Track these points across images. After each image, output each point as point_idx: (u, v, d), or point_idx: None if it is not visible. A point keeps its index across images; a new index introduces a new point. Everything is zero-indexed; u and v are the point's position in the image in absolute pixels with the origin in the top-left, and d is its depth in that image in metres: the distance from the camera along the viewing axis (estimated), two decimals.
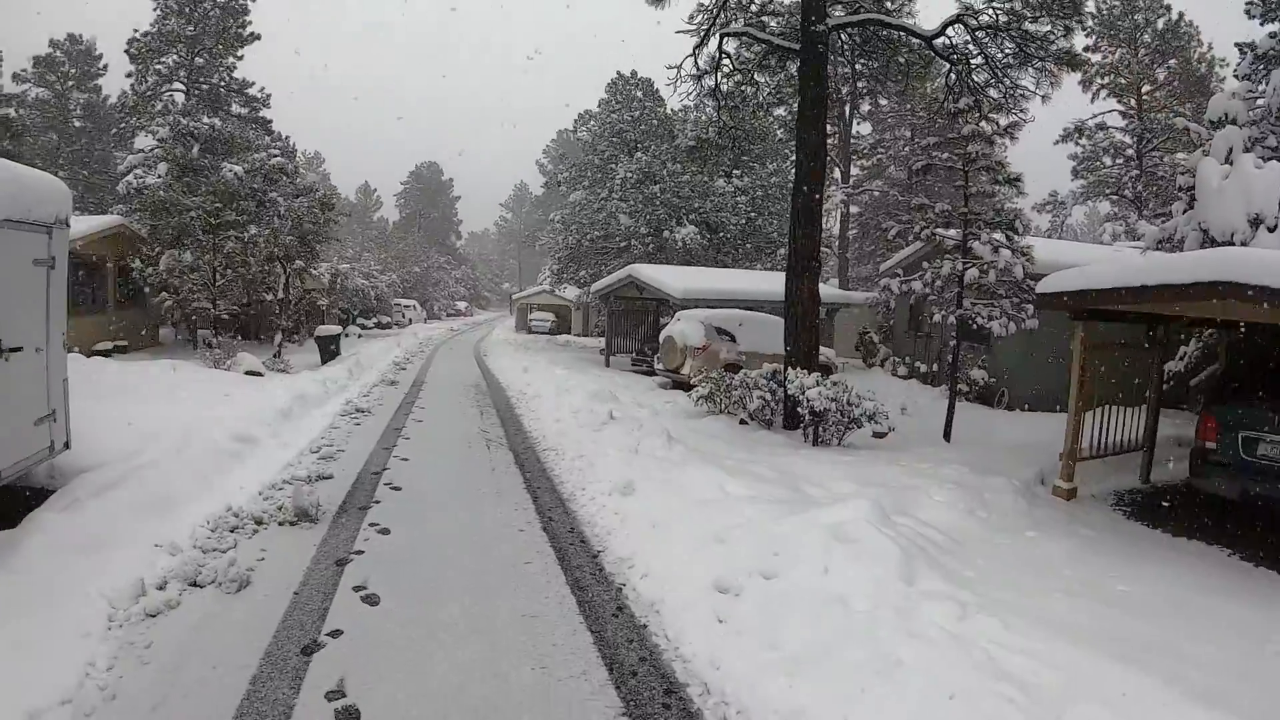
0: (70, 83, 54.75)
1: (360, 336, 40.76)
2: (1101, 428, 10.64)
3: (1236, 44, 23.39)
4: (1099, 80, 37.17)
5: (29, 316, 7.86)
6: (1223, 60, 35.38)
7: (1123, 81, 37.10)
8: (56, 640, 5.12)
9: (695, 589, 5.93)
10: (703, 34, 16.95)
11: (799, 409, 12.98)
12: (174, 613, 5.77)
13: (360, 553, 7.05)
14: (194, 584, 6.26)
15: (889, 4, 17.55)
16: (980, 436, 14.11)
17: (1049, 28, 14.33)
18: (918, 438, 13.78)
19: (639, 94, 44.08)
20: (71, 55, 55.52)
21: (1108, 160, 37.75)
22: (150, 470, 8.79)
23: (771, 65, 17.88)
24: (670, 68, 17.45)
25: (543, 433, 13.51)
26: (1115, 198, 38.42)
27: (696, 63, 17.22)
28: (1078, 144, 36.97)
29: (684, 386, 18.59)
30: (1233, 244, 11.51)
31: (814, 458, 11.40)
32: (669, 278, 25.79)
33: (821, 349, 16.25)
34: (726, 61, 17.40)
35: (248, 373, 19.68)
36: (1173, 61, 37.05)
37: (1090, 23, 24.01)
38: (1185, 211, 13.83)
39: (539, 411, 15.81)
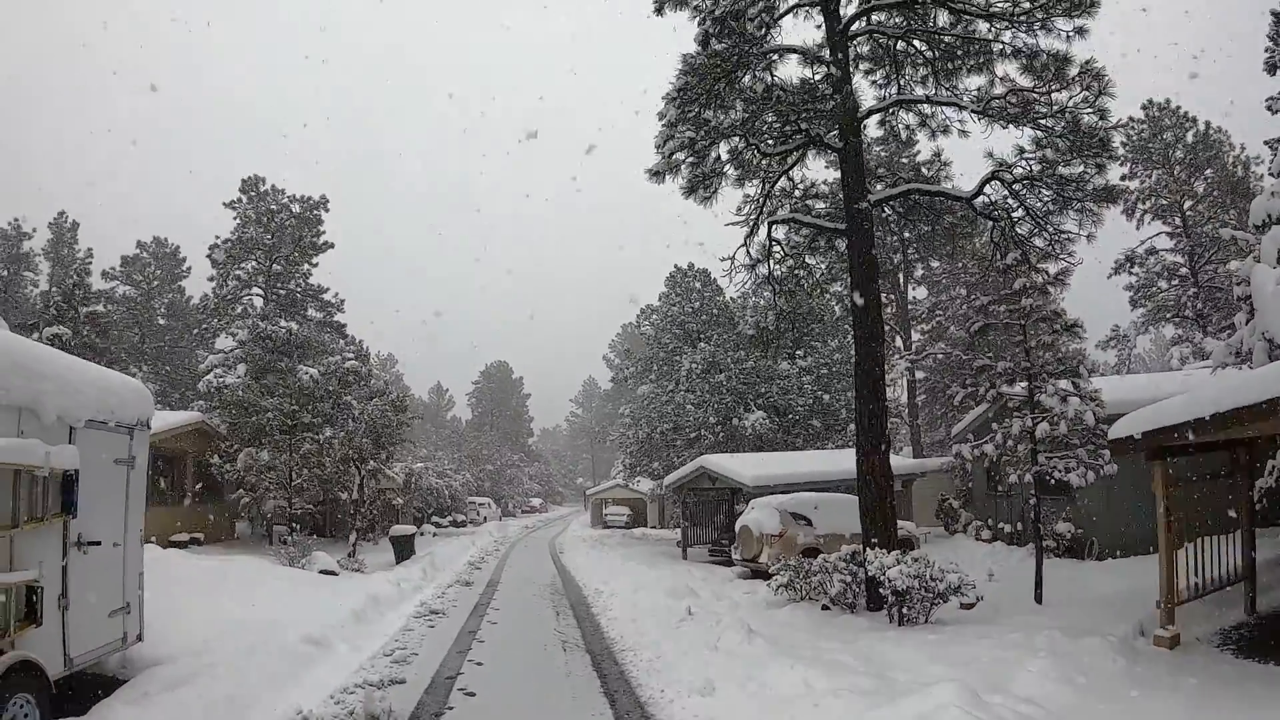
0: (155, 283, 57.51)
1: (435, 535, 40.80)
2: (1197, 564, 10.23)
3: (1266, 141, 23.14)
4: (1141, 205, 36.76)
5: (108, 512, 8.18)
6: (1256, 158, 34.80)
7: (1164, 202, 36.63)
8: None
9: None
10: (752, 224, 17.36)
11: (881, 589, 12.65)
12: None
13: None
14: None
15: (925, 170, 17.85)
16: (1073, 593, 13.71)
17: (1082, 168, 14.43)
18: (1007, 604, 13.35)
19: (698, 285, 45.07)
20: (158, 257, 58.48)
21: (1163, 284, 37.24)
22: (221, 668, 8.85)
23: (821, 246, 18.21)
24: (724, 259, 17.79)
25: (620, 632, 13.25)
26: (1178, 319, 37.69)
27: (749, 252, 17.56)
28: (1131, 274, 36.79)
29: (763, 575, 18.25)
30: None
31: (900, 640, 11.05)
32: (740, 466, 25.73)
33: (901, 522, 15.97)
34: (777, 248, 17.70)
35: (322, 571, 19.75)
36: (1209, 171, 36.61)
37: (1122, 151, 24.01)
38: (1248, 322, 13.61)
39: (615, 610, 15.59)
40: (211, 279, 49.19)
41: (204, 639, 10.01)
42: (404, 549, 26.18)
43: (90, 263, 56.59)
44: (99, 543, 7.94)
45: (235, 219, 48.61)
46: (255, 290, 48.50)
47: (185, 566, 15.20)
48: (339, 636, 12.11)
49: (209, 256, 48.79)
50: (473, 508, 59.47)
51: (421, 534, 35.32)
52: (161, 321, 54.24)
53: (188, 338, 50.69)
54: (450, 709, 8.59)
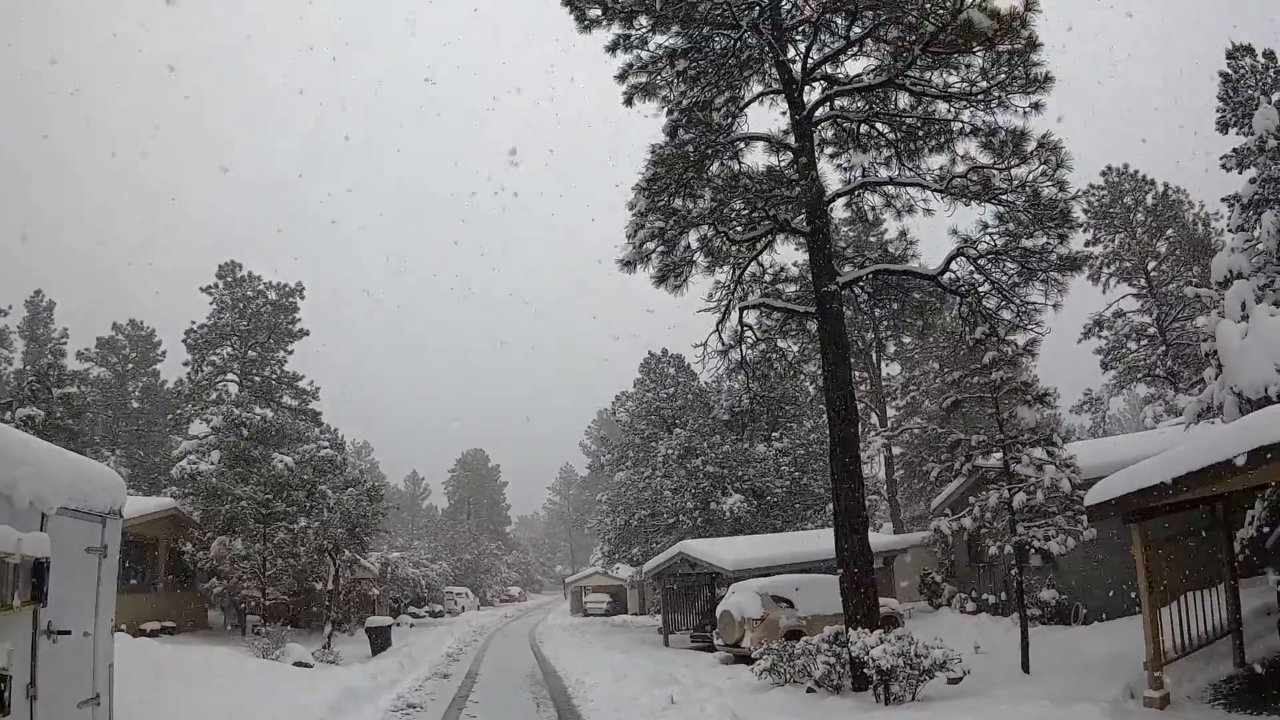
0: (130, 365, 57.52)
1: (412, 626, 40.43)
2: (1183, 621, 10.21)
3: (1223, 198, 23.45)
4: (1106, 270, 37.32)
5: (79, 601, 8.06)
6: (1215, 214, 34.52)
7: (1128, 264, 37.19)
8: None
9: None
10: (723, 310, 17.38)
11: (865, 669, 12.43)
12: None
13: None
14: None
15: (892, 249, 18.07)
16: (1060, 660, 13.63)
17: (1045, 239, 14.64)
18: (996, 675, 13.21)
19: (672, 370, 45.42)
20: (133, 339, 58.56)
21: (1133, 344, 37.88)
22: None
23: (793, 329, 18.30)
24: (696, 345, 17.85)
25: None
26: (1149, 379, 38.27)
27: (721, 338, 17.59)
28: (1100, 337, 37.55)
29: (746, 660, 18.05)
30: (1269, 399, 11.35)
31: (887, 719, 10.91)
32: (719, 550, 25.63)
33: (883, 599, 15.89)
34: (749, 333, 17.77)
35: (296, 663, 19.50)
36: (1170, 231, 37.13)
37: (1083, 218, 24.41)
38: (1217, 377, 13.80)
39: (597, 701, 15.31)
40: (186, 364, 49.35)
41: None
42: (380, 640, 25.87)
43: (65, 342, 56.28)
44: (69, 632, 7.75)
45: (211, 304, 48.87)
46: (230, 376, 48.56)
47: (157, 656, 14.94)
48: None
49: (184, 341, 48.98)
50: (450, 597, 58.89)
51: (398, 624, 34.89)
52: (135, 404, 54.09)
53: (161, 422, 50.49)
54: None
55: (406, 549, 56.80)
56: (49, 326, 61.16)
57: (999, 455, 13.99)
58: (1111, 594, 16.38)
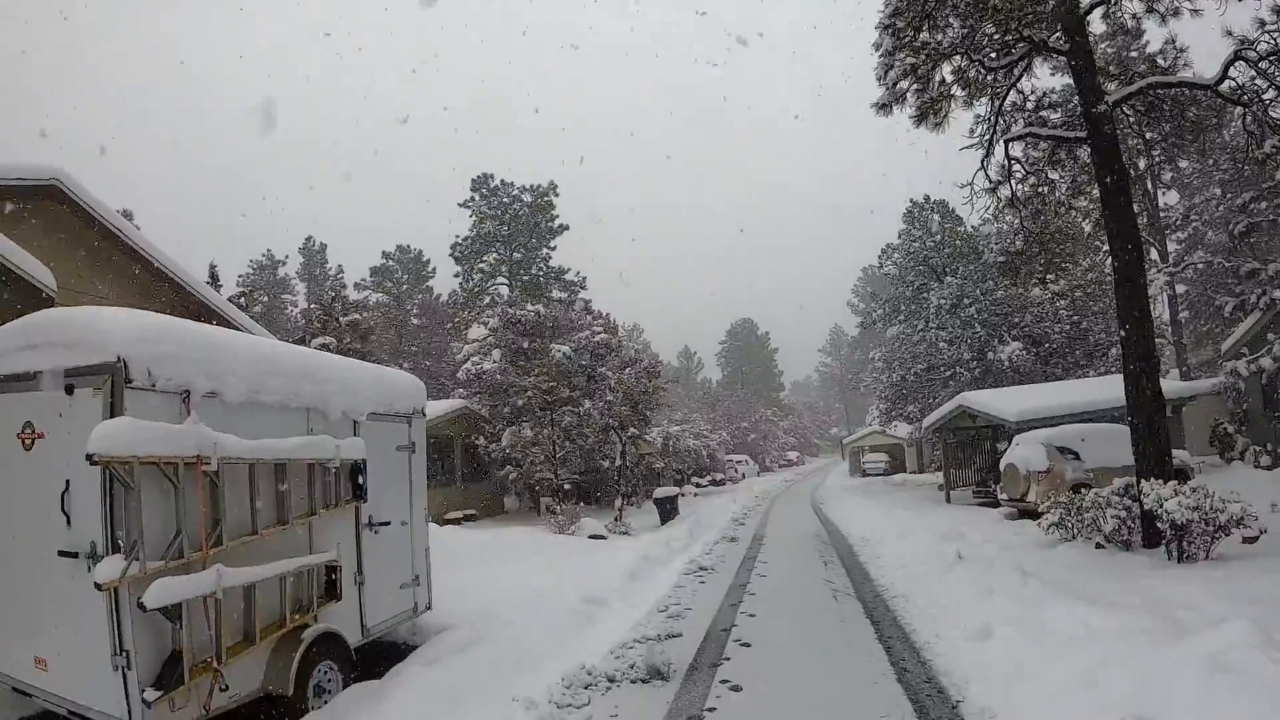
0: (405, 287, 61.45)
1: (696, 495, 41.52)
2: None
3: None
4: None
5: (394, 495, 8.92)
6: None
7: None
8: None
9: None
10: (987, 145, 16.69)
11: (1158, 524, 11.94)
12: None
13: (712, 709, 7.11)
14: None
15: (1161, 61, 16.43)
16: None
17: None
18: None
19: (936, 217, 43.70)
20: (403, 263, 62.75)
21: None
22: (506, 630, 9.43)
23: (1062, 159, 17.22)
24: (963, 185, 17.23)
25: (889, 579, 13.13)
26: None
27: (987, 174, 16.91)
28: None
29: (1031, 514, 17.67)
30: None
31: (1181, 577, 10.47)
32: (1001, 401, 24.91)
33: (1174, 451, 15.03)
34: (1017, 167, 17.00)
35: (591, 537, 20.62)
36: None
37: None
38: None
39: (883, 557, 15.47)
40: (456, 275, 52.18)
41: (487, 605, 10.68)
42: (668, 510, 26.77)
43: (342, 276, 61.36)
44: (388, 523, 8.68)
45: (471, 216, 51.29)
46: (499, 280, 51.14)
47: (463, 541, 16.17)
48: (614, 596, 12.58)
49: (451, 255, 51.85)
50: (730, 466, 60.09)
51: (683, 495, 36.01)
52: (415, 321, 57.72)
53: (441, 332, 53.65)
54: (727, 659, 8.78)
55: (686, 422, 58.28)
56: (324, 267, 66.49)
57: None
58: None
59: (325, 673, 7.15)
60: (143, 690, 5.44)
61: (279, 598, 6.71)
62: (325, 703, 7.01)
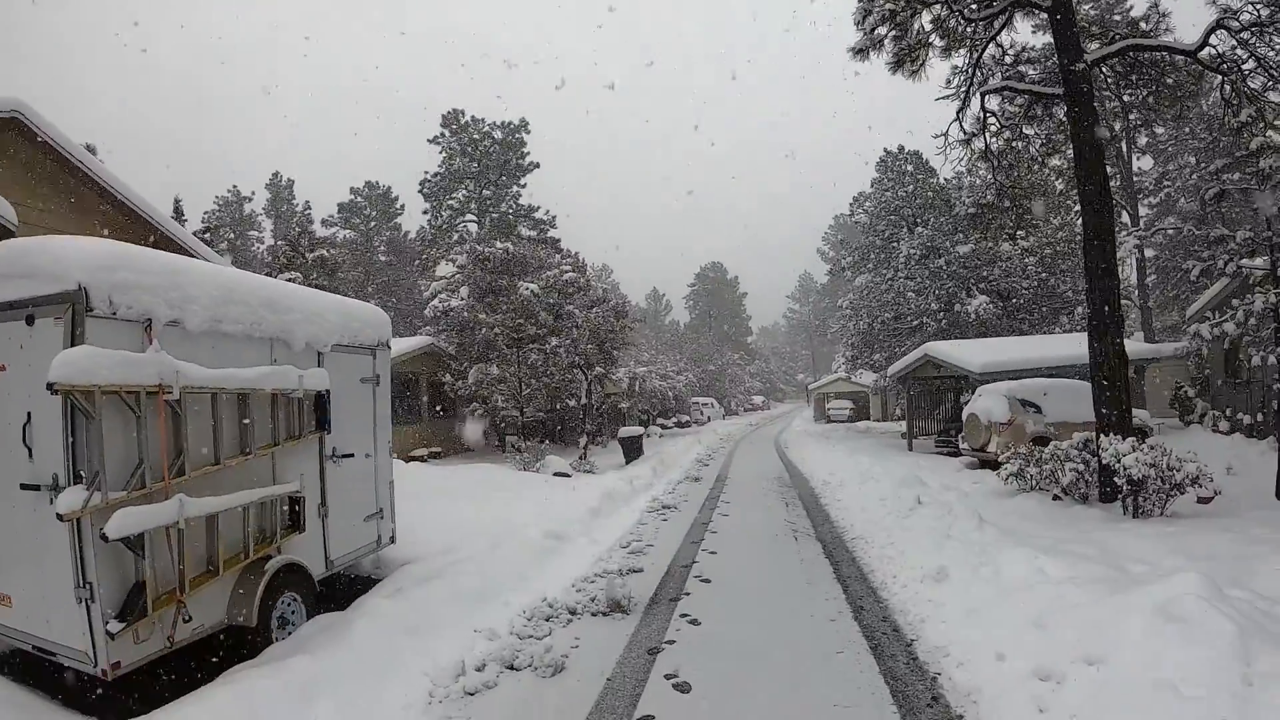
0: (373, 223, 61.05)
1: (661, 436, 41.81)
2: None
3: None
4: None
5: (358, 426, 8.90)
6: None
7: None
8: (381, 710, 5.68)
9: (1014, 677, 5.69)
10: (963, 96, 16.71)
11: (1115, 479, 12.13)
12: (491, 693, 6.17)
13: (671, 642, 7.24)
14: (511, 667, 6.67)
15: (1143, 25, 16.44)
16: None
17: None
18: (1247, 500, 12.60)
19: (909, 168, 43.69)
20: (371, 199, 62.20)
21: None
22: (469, 564, 9.52)
23: (1038, 115, 17.19)
24: (937, 135, 17.26)
25: (849, 522, 13.37)
26: None
27: (962, 126, 16.96)
28: None
29: (991, 465, 17.93)
30: None
31: (1135, 531, 10.66)
32: (966, 353, 25.08)
33: (1134, 411, 15.23)
34: (992, 120, 16.99)
35: (556, 474, 20.73)
36: None
37: None
38: None
39: (844, 501, 15.69)
40: (425, 212, 51.82)
41: (450, 539, 10.79)
42: (633, 449, 26.95)
43: (309, 212, 60.79)
44: (351, 455, 8.69)
45: (441, 153, 50.81)
46: (468, 217, 50.83)
47: (428, 477, 16.21)
48: (577, 531, 12.71)
49: (420, 191, 51.43)
50: (696, 408, 60.42)
51: (648, 435, 36.23)
52: (383, 258, 57.54)
53: (409, 269, 53.51)
54: (687, 594, 8.93)
55: (652, 363, 58.37)
56: (291, 203, 65.85)
57: (1266, 258, 12.82)
58: None
59: (289, 604, 7.18)
60: (106, 622, 5.43)
61: (242, 529, 6.70)
62: (289, 634, 7.05)
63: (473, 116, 51.73)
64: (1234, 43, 13.93)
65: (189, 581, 5.96)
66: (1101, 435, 12.96)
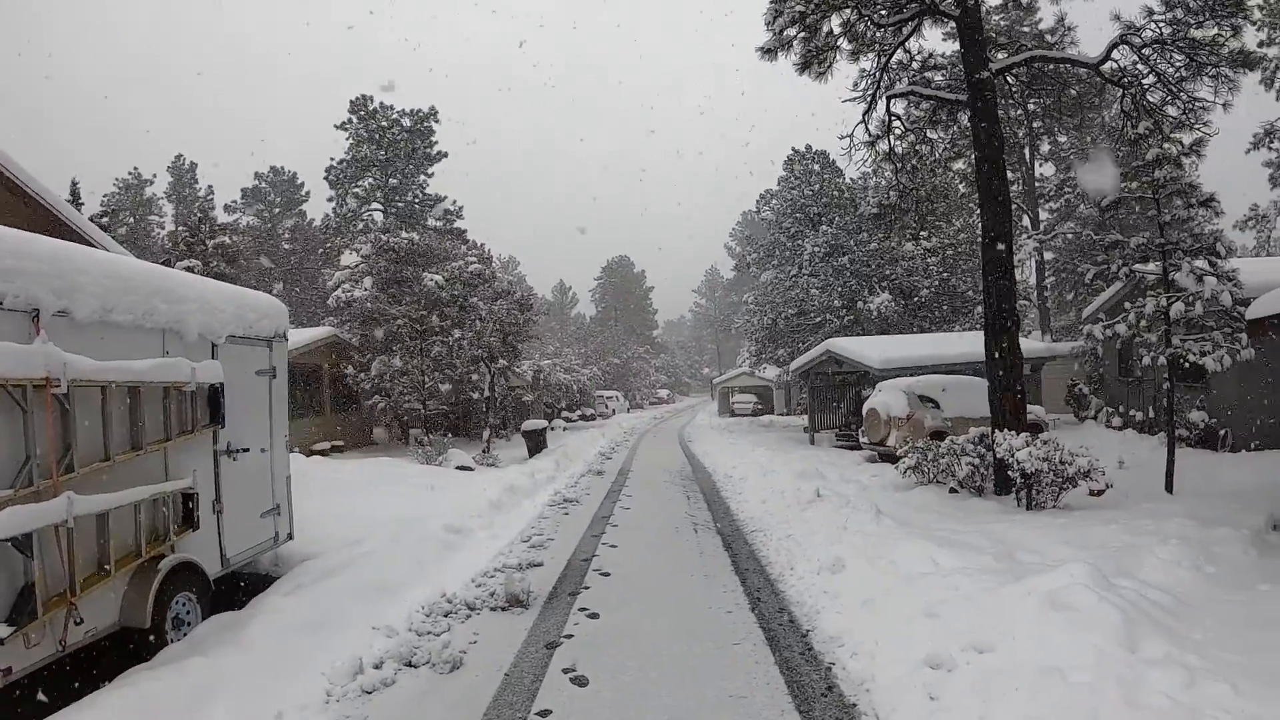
0: (277, 210, 59.86)
1: (565, 429, 41.73)
2: None
3: None
4: None
5: (254, 420, 8.73)
6: None
7: None
8: (278, 710, 5.56)
9: (906, 666, 5.82)
10: (869, 99, 16.90)
11: (1009, 472, 12.49)
12: (389, 690, 6.12)
13: (570, 636, 7.26)
14: (409, 664, 6.61)
15: (1049, 38, 16.94)
16: (1204, 485, 13.40)
17: (1216, 30, 13.58)
18: (1137, 492, 13.02)
19: (816, 167, 44.23)
20: (276, 185, 61.12)
21: None
22: (368, 559, 9.44)
23: (943, 119, 17.64)
24: (843, 137, 17.58)
25: (749, 515, 13.54)
26: None
27: (868, 128, 17.21)
28: (1271, 149, 33.16)
29: (890, 458, 18.24)
30: None
31: (1028, 522, 10.99)
32: (867, 349, 25.49)
33: (1030, 407, 15.64)
34: (897, 123, 17.27)
35: (459, 468, 20.64)
36: None
37: (1258, 15, 21.54)
38: None
39: (745, 494, 15.87)
40: (330, 199, 50.90)
41: (350, 534, 10.66)
42: (536, 443, 26.89)
43: (212, 198, 59.39)
44: (247, 449, 8.50)
45: (348, 139, 49.99)
46: (374, 205, 50.21)
47: (329, 471, 15.97)
48: (478, 525, 12.65)
49: (326, 179, 50.56)
50: (601, 401, 60.41)
51: (552, 429, 36.15)
52: (286, 246, 56.31)
53: (313, 258, 52.53)
54: (586, 588, 8.96)
55: (557, 356, 58.25)
56: (194, 187, 64.17)
57: (1158, 263, 13.30)
58: (1262, 424, 16.10)
59: (184, 604, 7.00)
60: None
61: (134, 527, 6.51)
62: (184, 635, 6.88)
63: (381, 103, 50.97)
64: (1135, 58, 14.52)
65: (80, 583, 5.76)
66: (997, 430, 13.31)
